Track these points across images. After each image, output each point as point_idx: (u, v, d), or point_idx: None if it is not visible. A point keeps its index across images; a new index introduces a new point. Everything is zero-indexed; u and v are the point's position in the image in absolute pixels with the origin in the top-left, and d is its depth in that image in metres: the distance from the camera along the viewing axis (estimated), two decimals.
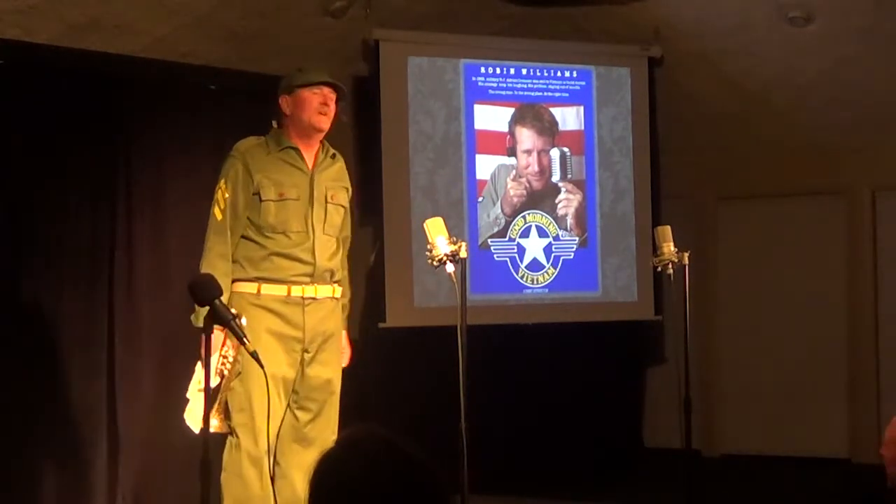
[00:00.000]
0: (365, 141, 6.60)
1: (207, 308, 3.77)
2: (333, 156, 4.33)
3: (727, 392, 7.38)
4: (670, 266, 4.84)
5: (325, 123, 4.23)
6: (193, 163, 5.49)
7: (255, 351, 3.27)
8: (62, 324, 5.11)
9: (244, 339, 3.22)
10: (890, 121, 6.72)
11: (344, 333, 4.40)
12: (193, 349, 3.84)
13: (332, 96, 4.24)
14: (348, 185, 4.40)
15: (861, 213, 7.09)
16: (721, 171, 7.37)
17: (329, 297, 4.25)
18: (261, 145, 4.20)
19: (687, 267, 4.82)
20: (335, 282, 4.29)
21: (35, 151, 5.07)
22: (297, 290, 4.14)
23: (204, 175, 5.00)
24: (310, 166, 4.23)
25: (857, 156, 6.99)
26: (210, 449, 3.24)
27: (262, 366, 3.38)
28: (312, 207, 4.19)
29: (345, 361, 4.39)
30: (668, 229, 4.94)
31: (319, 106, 4.19)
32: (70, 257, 5.17)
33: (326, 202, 4.24)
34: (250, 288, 4.11)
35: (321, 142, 4.29)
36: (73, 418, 5.11)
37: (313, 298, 4.18)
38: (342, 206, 4.33)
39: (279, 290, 4.12)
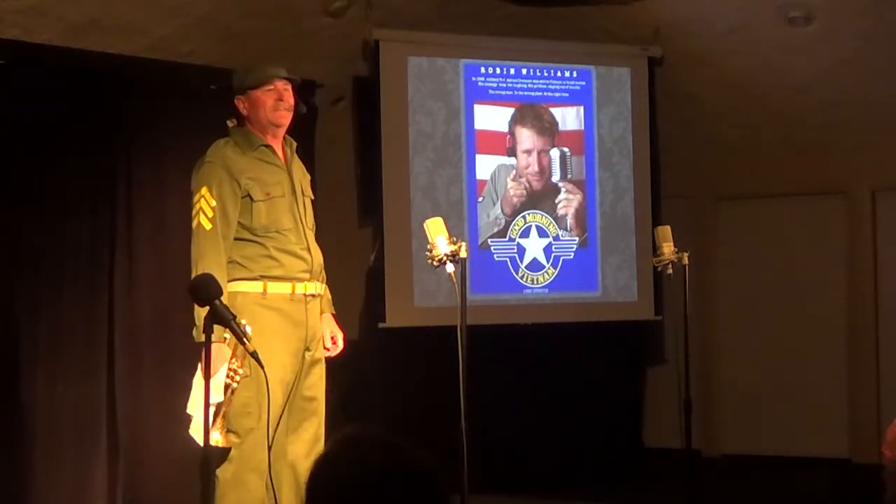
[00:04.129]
0: (365, 141, 6.60)
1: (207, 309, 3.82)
2: (294, 147, 4.26)
3: (727, 392, 7.37)
4: (670, 266, 4.85)
5: (286, 118, 4.14)
6: (193, 163, 5.46)
7: (255, 351, 3.27)
8: (62, 323, 5.11)
9: (244, 339, 3.22)
10: (890, 121, 6.71)
11: (332, 317, 4.31)
12: (193, 350, 3.84)
13: (287, 88, 4.14)
14: (308, 174, 4.36)
15: (861, 213, 7.08)
16: (721, 171, 7.36)
17: (321, 294, 4.22)
18: (234, 147, 4.11)
19: (687, 267, 4.83)
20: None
21: (35, 151, 5.07)
22: (300, 288, 4.08)
23: None
24: (283, 161, 4.18)
25: (857, 156, 6.98)
26: (209, 449, 3.23)
27: (261, 366, 3.37)
28: (297, 202, 4.15)
29: (339, 347, 4.29)
30: (668, 229, 4.95)
31: (275, 103, 4.10)
32: (70, 257, 5.17)
33: (303, 195, 4.21)
34: (255, 287, 3.99)
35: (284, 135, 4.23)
36: (73, 418, 5.11)
37: (313, 295, 4.14)
38: (310, 198, 4.28)
39: (284, 289, 4.04)
